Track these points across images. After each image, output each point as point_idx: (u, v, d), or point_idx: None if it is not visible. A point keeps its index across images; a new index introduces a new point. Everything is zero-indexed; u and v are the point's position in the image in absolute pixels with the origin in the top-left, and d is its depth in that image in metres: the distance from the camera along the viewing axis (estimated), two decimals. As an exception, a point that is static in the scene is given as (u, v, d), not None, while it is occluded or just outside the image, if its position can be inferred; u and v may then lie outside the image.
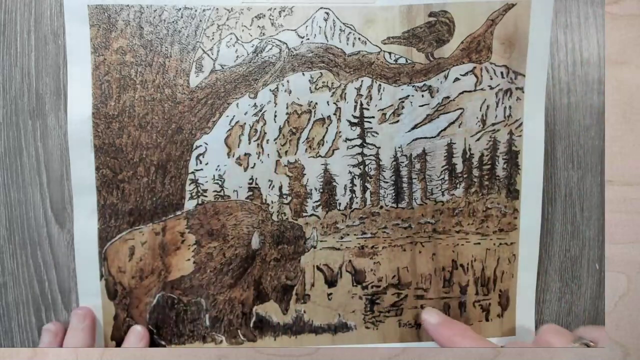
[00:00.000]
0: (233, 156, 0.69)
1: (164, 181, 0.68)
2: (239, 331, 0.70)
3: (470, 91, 0.70)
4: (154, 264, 0.69)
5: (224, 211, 0.69)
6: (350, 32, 0.68)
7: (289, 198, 0.70)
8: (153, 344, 0.69)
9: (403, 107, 0.69)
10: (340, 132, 0.69)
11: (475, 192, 0.71)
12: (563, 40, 0.71)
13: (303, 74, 0.68)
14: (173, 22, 0.66)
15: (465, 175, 0.71)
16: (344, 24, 0.67)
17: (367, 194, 0.71)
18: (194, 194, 0.69)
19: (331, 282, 0.71)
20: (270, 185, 0.69)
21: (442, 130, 0.70)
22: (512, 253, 0.72)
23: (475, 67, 0.69)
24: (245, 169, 0.69)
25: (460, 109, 0.70)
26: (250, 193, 0.69)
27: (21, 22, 0.67)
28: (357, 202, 0.71)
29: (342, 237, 0.71)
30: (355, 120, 0.69)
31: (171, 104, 0.67)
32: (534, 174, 0.71)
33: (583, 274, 0.74)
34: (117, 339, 0.69)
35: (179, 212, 0.69)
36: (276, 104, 0.68)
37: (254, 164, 0.69)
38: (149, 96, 0.67)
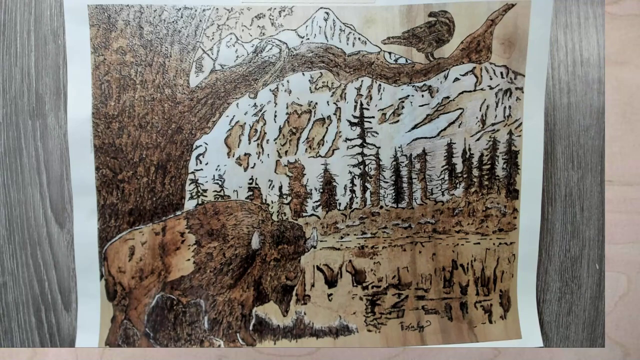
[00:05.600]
0: (233, 156, 0.69)
1: (164, 181, 0.68)
2: (237, 334, 0.70)
3: (470, 91, 0.70)
4: (154, 264, 0.68)
5: (224, 211, 0.69)
6: (350, 32, 0.68)
7: (289, 198, 0.70)
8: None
9: (403, 107, 0.69)
10: (340, 132, 0.69)
11: (475, 192, 0.71)
12: (563, 40, 0.71)
13: (303, 74, 0.68)
14: (173, 22, 0.66)
15: (465, 175, 0.71)
16: (344, 24, 0.67)
17: (367, 194, 0.71)
18: (194, 194, 0.69)
19: (331, 282, 0.71)
20: (270, 185, 0.69)
21: (442, 130, 0.70)
22: (512, 253, 0.72)
23: (475, 67, 0.69)
24: (245, 169, 0.69)
25: (460, 109, 0.70)
26: (250, 193, 0.69)
27: (21, 22, 0.67)
28: (357, 202, 0.71)
29: (342, 237, 0.71)
30: (355, 120, 0.69)
31: (171, 104, 0.67)
32: (534, 174, 0.71)
33: (583, 274, 0.74)
34: (112, 343, 0.69)
35: (179, 212, 0.69)
36: (276, 104, 0.68)
37: (254, 164, 0.69)
38: (149, 96, 0.67)
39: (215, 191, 0.69)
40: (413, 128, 0.70)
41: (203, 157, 0.68)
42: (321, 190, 0.70)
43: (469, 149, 0.71)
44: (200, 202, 0.69)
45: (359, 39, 0.68)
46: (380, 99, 0.69)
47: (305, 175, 0.70)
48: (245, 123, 0.68)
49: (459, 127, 0.70)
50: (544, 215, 0.72)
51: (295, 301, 0.71)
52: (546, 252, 0.73)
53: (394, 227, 0.71)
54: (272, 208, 0.70)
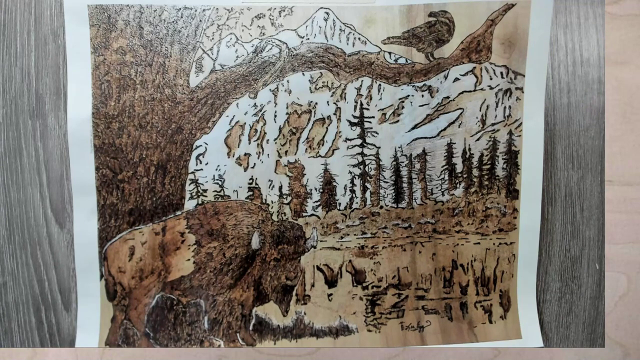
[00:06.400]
0: (233, 156, 0.69)
1: (164, 181, 0.68)
2: (237, 334, 0.70)
3: (470, 91, 0.70)
4: (154, 264, 0.68)
5: (224, 211, 0.69)
6: (350, 32, 0.68)
7: (289, 198, 0.70)
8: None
9: (403, 107, 0.69)
10: (340, 132, 0.69)
11: (475, 192, 0.71)
12: (563, 40, 0.71)
13: (303, 74, 0.68)
14: (173, 22, 0.66)
15: (465, 175, 0.71)
16: (344, 24, 0.67)
17: (367, 194, 0.71)
18: (194, 194, 0.68)
19: (331, 282, 0.71)
20: (270, 185, 0.69)
21: (442, 130, 0.70)
22: (512, 253, 0.72)
23: (475, 67, 0.69)
24: (245, 169, 0.69)
25: (460, 109, 0.70)
26: (250, 193, 0.69)
27: (21, 22, 0.67)
28: (357, 202, 0.71)
29: (342, 237, 0.71)
30: (355, 120, 0.69)
31: (171, 104, 0.67)
32: (534, 174, 0.71)
33: (583, 274, 0.74)
34: (112, 343, 0.69)
35: (179, 212, 0.69)
36: (276, 104, 0.68)
37: (254, 164, 0.69)
38: (149, 96, 0.67)
39: (215, 191, 0.69)
40: (413, 128, 0.70)
41: (203, 157, 0.68)
42: (321, 190, 0.70)
43: (469, 149, 0.71)
44: (200, 202, 0.69)
45: (359, 39, 0.68)
46: (380, 99, 0.69)
47: (305, 175, 0.70)
48: (245, 123, 0.68)
49: (459, 127, 0.70)
50: (544, 215, 0.72)
51: (295, 301, 0.71)
52: (546, 252, 0.73)
53: (394, 227, 0.71)
54: (272, 208, 0.70)
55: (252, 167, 0.69)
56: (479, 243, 0.72)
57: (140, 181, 0.68)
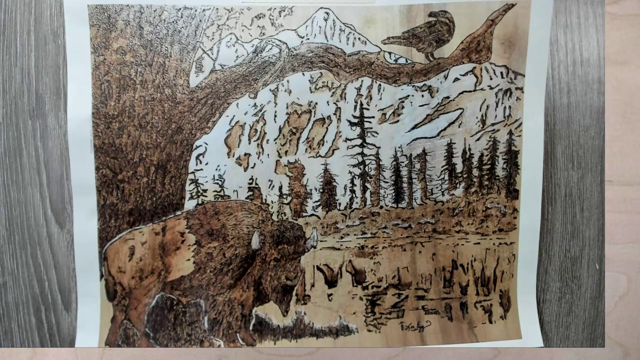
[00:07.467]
0: (233, 156, 0.69)
1: (164, 181, 0.68)
2: (237, 335, 0.70)
3: (470, 91, 0.70)
4: (154, 264, 0.68)
5: (224, 211, 0.69)
6: (350, 32, 0.68)
7: (289, 198, 0.70)
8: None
9: (403, 107, 0.69)
10: (340, 132, 0.69)
11: (475, 192, 0.71)
12: (563, 40, 0.71)
13: (303, 74, 0.68)
14: (173, 22, 0.66)
15: (465, 175, 0.71)
16: (344, 24, 0.67)
17: (367, 194, 0.71)
18: (194, 194, 0.69)
19: (331, 282, 0.71)
20: (270, 185, 0.69)
21: (442, 130, 0.70)
22: (512, 253, 0.72)
23: (475, 67, 0.69)
24: (245, 169, 0.69)
25: (460, 109, 0.70)
26: (250, 193, 0.69)
27: (21, 22, 0.67)
28: (357, 202, 0.71)
29: (342, 237, 0.71)
30: (355, 120, 0.69)
31: (171, 104, 0.67)
32: (534, 174, 0.71)
33: (583, 274, 0.74)
34: (112, 343, 0.69)
35: (179, 212, 0.68)
36: (276, 104, 0.68)
37: (254, 164, 0.69)
38: (149, 96, 0.67)
39: (215, 191, 0.69)
40: (413, 128, 0.70)
41: (203, 157, 0.68)
42: (321, 190, 0.70)
43: (469, 149, 0.71)
44: (200, 202, 0.69)
45: (359, 39, 0.68)
46: (380, 99, 0.69)
47: (305, 175, 0.70)
48: (245, 123, 0.68)
49: (459, 127, 0.70)
50: (544, 215, 0.72)
51: (295, 301, 0.71)
52: (546, 252, 0.73)
53: (394, 227, 0.71)
54: (272, 208, 0.70)
55: (252, 167, 0.69)
56: (479, 243, 0.72)
57: (140, 181, 0.68)
